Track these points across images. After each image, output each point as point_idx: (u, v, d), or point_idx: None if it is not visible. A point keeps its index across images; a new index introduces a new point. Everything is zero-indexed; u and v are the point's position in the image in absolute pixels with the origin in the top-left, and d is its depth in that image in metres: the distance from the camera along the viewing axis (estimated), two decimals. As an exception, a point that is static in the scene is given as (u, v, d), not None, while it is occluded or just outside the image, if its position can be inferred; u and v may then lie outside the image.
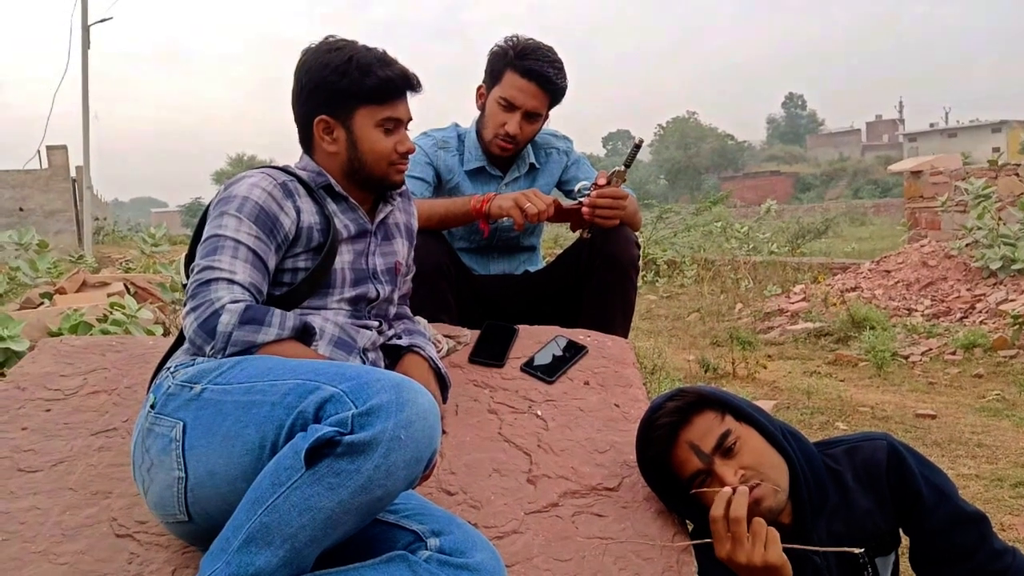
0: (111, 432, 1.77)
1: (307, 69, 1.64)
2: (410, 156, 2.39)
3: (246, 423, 1.26)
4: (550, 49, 2.31)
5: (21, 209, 17.65)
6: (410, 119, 1.70)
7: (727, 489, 1.43)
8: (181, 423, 1.33)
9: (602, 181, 2.17)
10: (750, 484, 1.47)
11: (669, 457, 1.54)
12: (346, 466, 1.14)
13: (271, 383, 1.27)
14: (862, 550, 1.43)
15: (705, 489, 1.50)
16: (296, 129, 1.71)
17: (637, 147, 2.21)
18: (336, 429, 1.15)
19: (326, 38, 1.67)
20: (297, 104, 1.68)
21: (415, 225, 1.90)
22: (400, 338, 1.80)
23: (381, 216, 1.76)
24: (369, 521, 1.23)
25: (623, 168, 2.16)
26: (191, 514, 1.32)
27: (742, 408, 1.55)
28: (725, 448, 1.50)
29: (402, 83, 1.65)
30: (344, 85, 1.60)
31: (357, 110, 1.63)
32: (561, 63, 2.31)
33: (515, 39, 2.30)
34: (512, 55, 2.27)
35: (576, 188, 2.42)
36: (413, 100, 1.71)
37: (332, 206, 1.67)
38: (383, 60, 1.63)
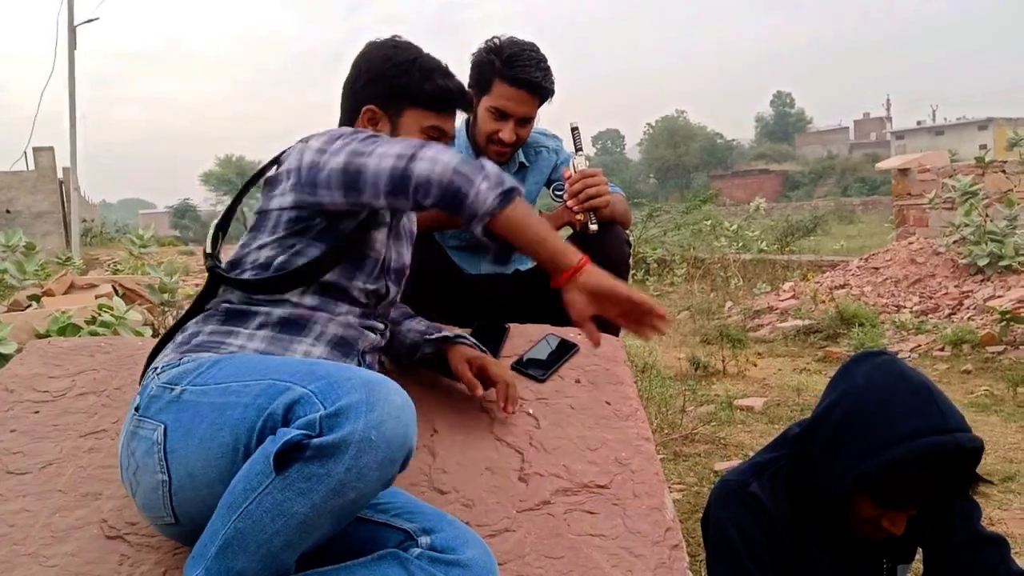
0: (100, 434, 1.76)
1: (368, 59, 1.67)
2: None
3: (220, 425, 1.24)
4: (533, 48, 2.29)
5: (8, 211, 17.55)
6: (453, 137, 1.71)
7: None
8: (162, 425, 1.31)
9: (568, 174, 2.17)
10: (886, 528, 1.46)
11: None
12: (316, 470, 1.11)
13: (244, 384, 1.26)
14: None
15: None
16: (339, 114, 1.72)
17: (575, 130, 2.22)
18: (304, 432, 1.12)
19: (392, 36, 1.70)
20: (350, 91, 1.69)
21: (415, 231, 1.89)
22: (429, 333, 1.81)
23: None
24: (347, 523, 1.21)
25: (577, 153, 2.18)
26: (177, 516, 1.32)
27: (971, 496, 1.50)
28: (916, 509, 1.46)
29: (458, 97, 1.67)
30: (403, 82, 1.63)
31: (407, 110, 1.64)
32: (546, 62, 2.29)
33: (496, 43, 2.28)
34: (499, 64, 2.24)
35: (551, 191, 2.42)
36: None
37: None
38: (445, 71, 1.66)
